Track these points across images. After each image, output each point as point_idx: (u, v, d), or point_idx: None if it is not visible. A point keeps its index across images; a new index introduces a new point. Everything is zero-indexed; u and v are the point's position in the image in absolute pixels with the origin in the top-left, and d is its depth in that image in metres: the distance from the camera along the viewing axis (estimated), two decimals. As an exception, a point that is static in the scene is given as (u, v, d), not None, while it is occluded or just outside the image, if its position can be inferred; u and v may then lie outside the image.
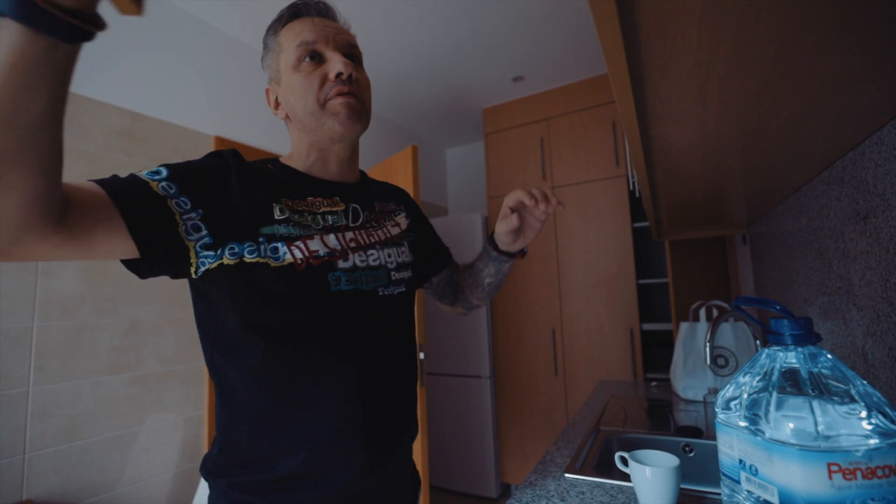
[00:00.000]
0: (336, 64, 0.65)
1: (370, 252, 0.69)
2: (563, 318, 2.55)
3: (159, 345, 1.61)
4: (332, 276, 0.63)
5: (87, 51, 1.59)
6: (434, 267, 0.89)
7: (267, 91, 0.73)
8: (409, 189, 1.98)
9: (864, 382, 0.44)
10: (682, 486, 0.78)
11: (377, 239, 0.72)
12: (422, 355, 1.95)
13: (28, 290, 1.32)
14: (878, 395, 0.43)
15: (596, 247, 2.49)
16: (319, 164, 0.71)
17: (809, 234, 0.96)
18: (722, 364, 1.37)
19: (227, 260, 0.58)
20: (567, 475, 0.88)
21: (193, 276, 0.58)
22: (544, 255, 2.63)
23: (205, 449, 1.72)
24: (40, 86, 0.36)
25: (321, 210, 0.67)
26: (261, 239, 0.59)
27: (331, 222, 0.67)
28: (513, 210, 0.75)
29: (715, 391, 1.36)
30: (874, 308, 0.68)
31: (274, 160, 0.71)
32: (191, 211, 0.55)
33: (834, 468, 0.40)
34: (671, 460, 0.73)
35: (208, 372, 0.67)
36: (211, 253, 0.57)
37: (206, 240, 0.56)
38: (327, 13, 0.70)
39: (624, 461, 0.78)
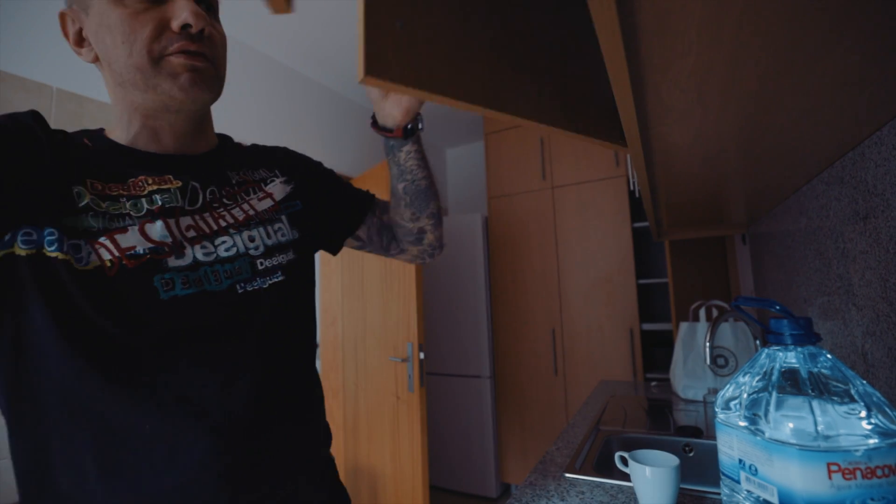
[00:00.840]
0: (182, 10, 0.47)
1: (220, 240, 0.53)
2: (563, 318, 2.55)
3: (159, 345, 1.61)
4: (161, 279, 0.48)
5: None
6: (350, 221, 0.72)
7: (62, 15, 0.52)
8: (409, 189, 1.97)
9: (864, 382, 0.44)
10: (682, 485, 0.78)
11: (231, 221, 0.56)
12: (422, 355, 1.95)
13: (28, 290, 1.32)
14: (878, 394, 0.43)
15: (596, 247, 2.49)
16: (146, 135, 0.54)
17: (809, 234, 0.96)
18: (722, 364, 1.37)
19: (21, 250, 0.43)
20: (567, 475, 0.88)
21: None
22: (544, 255, 2.63)
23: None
24: None
25: (146, 191, 0.51)
26: (53, 229, 0.44)
27: (160, 204, 0.51)
28: None
29: (715, 391, 1.36)
30: (874, 308, 0.68)
31: (96, 132, 0.55)
32: None
33: (833, 468, 0.40)
34: (671, 460, 0.73)
35: None
36: None
37: None
38: None
39: (624, 461, 0.78)
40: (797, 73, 0.44)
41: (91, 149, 0.52)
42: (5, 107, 1.31)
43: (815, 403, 0.43)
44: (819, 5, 0.33)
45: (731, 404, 0.50)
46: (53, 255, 0.44)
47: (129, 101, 0.52)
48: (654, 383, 1.72)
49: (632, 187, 2.42)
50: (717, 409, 0.53)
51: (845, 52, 0.40)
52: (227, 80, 1.79)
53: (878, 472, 0.40)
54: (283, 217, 0.62)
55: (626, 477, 0.81)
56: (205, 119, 0.59)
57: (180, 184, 0.53)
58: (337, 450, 2.43)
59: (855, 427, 0.41)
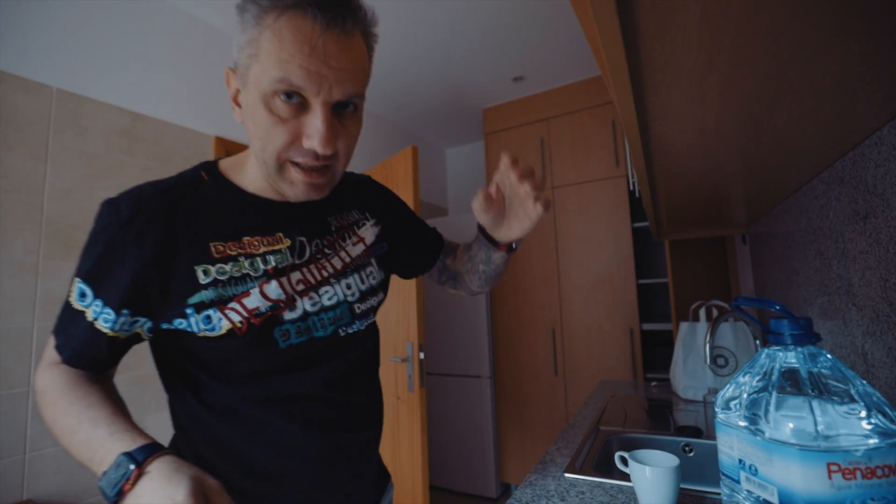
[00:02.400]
0: (315, 136, 0.50)
1: (323, 290, 0.60)
2: (562, 317, 2.55)
3: (159, 345, 1.62)
4: (279, 330, 0.56)
5: (87, 50, 1.58)
6: (425, 263, 0.81)
7: (228, 74, 0.56)
8: (409, 189, 1.98)
9: (864, 382, 0.44)
10: (682, 485, 0.78)
11: (332, 270, 0.62)
12: (422, 355, 1.95)
13: (28, 290, 1.32)
14: (878, 394, 0.43)
15: (596, 247, 2.49)
16: (269, 190, 0.60)
17: (809, 234, 0.96)
18: (722, 364, 1.37)
19: (168, 328, 0.55)
20: (567, 475, 0.88)
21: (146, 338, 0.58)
22: (544, 255, 2.63)
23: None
24: None
25: (261, 251, 0.57)
26: (188, 311, 0.53)
27: (273, 265, 0.57)
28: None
29: (715, 391, 1.36)
30: (874, 308, 0.68)
31: (212, 169, 0.60)
32: (107, 315, 0.52)
33: (833, 468, 0.40)
34: (671, 460, 0.73)
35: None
36: (151, 325, 0.55)
37: (148, 324, 0.55)
38: (340, 19, 0.49)
39: (624, 461, 0.78)
40: (797, 72, 0.44)
41: (210, 203, 0.57)
42: (5, 106, 1.31)
43: (815, 403, 0.43)
44: (819, 5, 0.33)
45: (732, 404, 0.50)
46: (187, 331, 0.54)
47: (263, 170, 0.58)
48: (654, 383, 1.72)
49: (632, 187, 2.42)
50: (717, 409, 0.53)
51: (845, 52, 0.40)
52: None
53: (878, 472, 0.40)
54: (373, 260, 0.69)
55: (627, 477, 0.81)
56: None
57: (289, 242, 0.60)
58: (337, 450, 2.43)
59: (855, 427, 0.41)
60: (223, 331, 0.53)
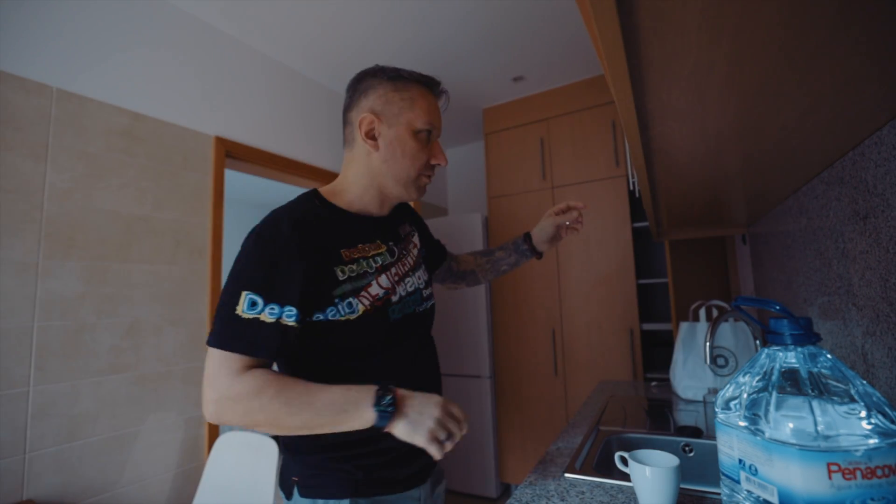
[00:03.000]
0: (440, 156, 0.82)
1: (407, 280, 0.84)
2: (562, 317, 2.55)
3: (159, 345, 1.62)
4: (390, 309, 0.78)
5: (87, 50, 1.59)
6: (434, 266, 1.04)
7: (363, 119, 0.79)
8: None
9: (864, 382, 0.44)
10: (682, 485, 0.78)
11: (408, 267, 0.86)
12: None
13: (28, 290, 1.32)
14: (878, 394, 0.43)
15: (596, 247, 2.49)
16: (374, 203, 0.83)
17: (809, 234, 0.96)
18: (722, 364, 1.37)
19: (320, 319, 0.72)
20: (567, 475, 0.88)
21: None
22: (544, 256, 2.63)
23: (205, 449, 1.72)
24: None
25: (371, 254, 0.79)
26: (336, 301, 0.73)
27: (380, 263, 0.80)
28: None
29: (715, 391, 1.36)
30: (874, 308, 0.68)
31: (319, 198, 0.81)
32: (290, 311, 0.69)
33: (833, 468, 0.40)
34: (671, 460, 0.73)
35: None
36: (301, 319, 0.70)
37: (293, 315, 0.69)
38: (446, 105, 0.86)
39: (624, 461, 0.78)
40: (797, 72, 0.44)
41: (327, 219, 0.77)
42: (5, 106, 1.31)
43: (815, 403, 0.43)
44: (819, 5, 0.33)
45: (732, 404, 0.50)
46: (334, 319, 0.73)
47: (381, 184, 0.82)
48: (654, 383, 1.72)
49: (632, 187, 2.42)
50: (717, 409, 0.52)
51: (845, 52, 0.40)
52: (228, 80, 1.77)
53: (878, 472, 0.40)
54: (422, 261, 0.93)
55: (626, 477, 0.81)
56: None
57: (385, 248, 0.82)
58: (337, 450, 2.43)
59: (855, 427, 0.41)
60: (360, 312, 0.74)
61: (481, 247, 2.77)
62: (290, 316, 0.68)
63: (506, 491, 2.71)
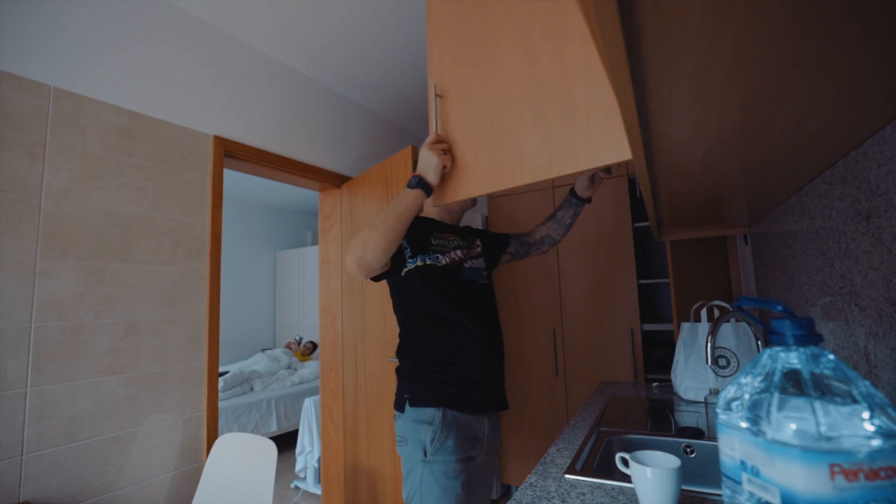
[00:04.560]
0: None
1: (471, 261, 1.24)
2: (563, 318, 2.54)
3: (158, 345, 1.61)
4: (463, 270, 1.21)
5: (85, 49, 1.58)
6: (499, 252, 1.41)
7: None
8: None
9: (867, 383, 0.44)
10: (684, 487, 0.78)
11: (472, 254, 1.27)
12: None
13: (26, 290, 1.32)
14: (881, 395, 0.43)
15: (596, 247, 2.49)
16: (444, 216, 1.30)
17: (811, 234, 0.95)
18: (723, 364, 1.37)
19: (419, 263, 1.15)
20: (567, 476, 0.88)
21: (402, 274, 1.17)
22: (545, 256, 2.62)
23: (204, 450, 1.71)
24: (413, 217, 1.08)
25: (450, 238, 1.24)
26: (430, 251, 1.17)
27: (455, 245, 1.24)
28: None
29: (716, 392, 1.36)
30: (877, 308, 0.68)
31: (423, 215, 1.29)
32: (406, 248, 1.17)
33: (836, 469, 0.40)
34: (672, 461, 0.73)
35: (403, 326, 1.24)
36: (412, 260, 1.15)
37: (409, 253, 1.16)
38: None
39: (625, 462, 0.78)
40: (799, 72, 0.43)
41: (426, 222, 1.25)
42: (3, 106, 1.31)
43: (817, 404, 0.42)
44: (822, 4, 0.32)
45: (733, 405, 0.50)
46: (430, 263, 1.16)
47: (447, 209, 1.30)
48: (655, 384, 1.72)
49: (632, 187, 2.42)
50: (718, 410, 0.52)
51: (848, 50, 0.40)
52: (228, 80, 1.76)
53: (882, 474, 0.39)
54: (482, 256, 1.30)
55: (627, 478, 0.81)
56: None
57: (458, 238, 1.27)
58: (336, 450, 2.43)
59: (857, 428, 0.41)
60: (444, 263, 1.17)
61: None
62: (405, 248, 1.17)
63: (506, 492, 2.71)
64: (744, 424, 0.47)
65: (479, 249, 1.29)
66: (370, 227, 1.03)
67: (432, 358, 1.14)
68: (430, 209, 1.29)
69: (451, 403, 1.10)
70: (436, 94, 1.02)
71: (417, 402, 1.11)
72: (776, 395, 0.45)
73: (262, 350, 4.79)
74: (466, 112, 0.99)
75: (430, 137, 1.00)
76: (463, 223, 3.19)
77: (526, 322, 2.65)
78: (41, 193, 1.37)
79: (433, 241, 1.18)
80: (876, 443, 0.40)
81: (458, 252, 1.21)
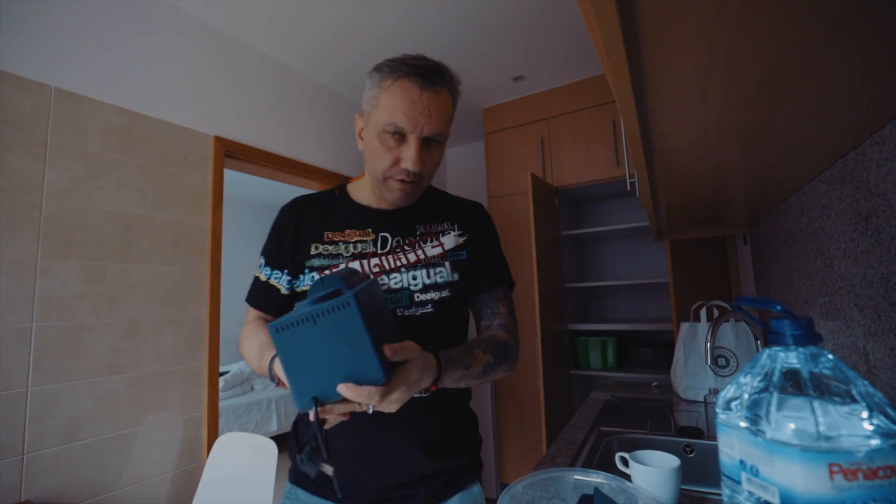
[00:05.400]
0: (408, 160, 0.73)
1: (393, 276, 0.79)
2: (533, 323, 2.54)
3: (158, 345, 1.61)
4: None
5: (86, 50, 1.58)
6: (470, 290, 0.85)
7: (357, 118, 0.82)
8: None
9: (866, 383, 0.44)
10: (683, 486, 0.78)
11: (404, 262, 0.80)
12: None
13: (27, 290, 1.32)
14: (880, 395, 0.43)
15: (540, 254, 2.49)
16: (370, 195, 0.85)
17: (811, 234, 0.95)
18: (723, 364, 1.37)
19: (296, 289, 0.83)
20: (567, 476, 0.88)
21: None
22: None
23: (205, 449, 1.71)
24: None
25: (354, 240, 0.82)
26: (306, 270, 0.81)
27: (360, 250, 0.81)
28: None
29: (715, 391, 1.36)
30: (875, 308, 0.68)
31: (342, 187, 0.89)
32: (281, 276, 0.84)
33: (835, 469, 0.40)
34: (672, 461, 0.73)
35: None
36: (287, 287, 0.83)
37: (283, 278, 0.83)
38: (433, 83, 0.73)
39: (624, 461, 0.78)
40: (798, 72, 0.44)
41: (332, 207, 0.86)
42: (4, 106, 1.31)
43: (816, 404, 0.43)
44: (820, 5, 0.33)
45: (732, 405, 0.50)
46: (304, 288, 0.81)
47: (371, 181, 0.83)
48: (654, 384, 1.72)
49: (631, 187, 2.42)
50: (717, 410, 0.52)
51: (847, 51, 0.40)
52: (228, 80, 1.76)
53: (881, 473, 0.39)
54: (447, 263, 0.82)
55: (627, 478, 0.81)
56: None
57: (374, 236, 0.82)
58: (337, 450, 2.43)
59: (856, 428, 0.41)
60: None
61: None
62: (277, 278, 0.83)
63: (506, 491, 2.71)
64: (743, 424, 0.48)
65: (437, 250, 0.82)
66: (245, 353, 0.79)
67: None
68: (363, 183, 0.87)
69: (299, 480, 0.81)
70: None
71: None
72: (775, 395, 0.45)
73: (263, 350, 4.77)
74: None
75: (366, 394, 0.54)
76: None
77: (526, 322, 2.64)
78: (42, 193, 1.37)
79: (314, 248, 0.80)
80: (875, 442, 0.40)
81: (359, 265, 0.79)
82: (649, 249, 2.69)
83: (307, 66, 2.34)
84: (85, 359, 1.43)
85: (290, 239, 0.83)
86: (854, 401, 0.42)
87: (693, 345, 1.45)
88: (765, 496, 0.44)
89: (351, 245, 0.81)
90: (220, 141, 1.90)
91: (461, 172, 3.64)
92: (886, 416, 0.41)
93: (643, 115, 0.55)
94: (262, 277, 0.84)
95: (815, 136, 0.64)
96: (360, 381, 0.53)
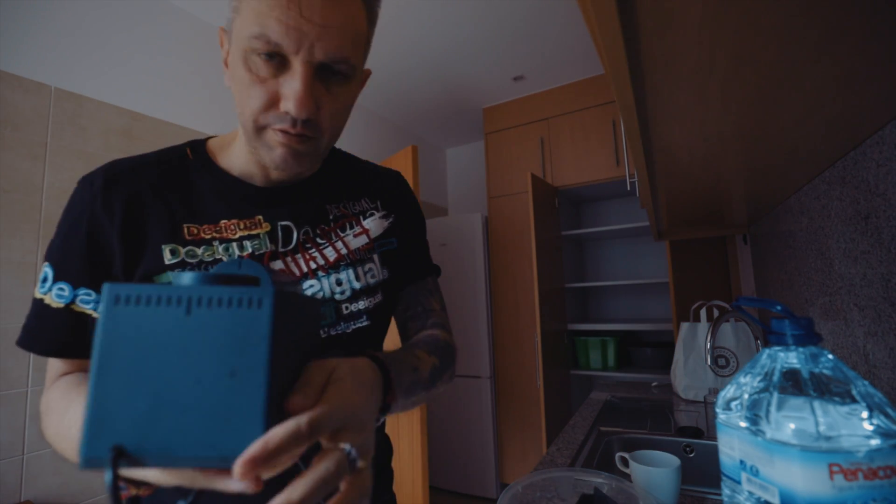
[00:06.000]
0: (291, 97, 0.46)
1: (308, 284, 0.55)
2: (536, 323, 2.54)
3: (159, 345, 1.61)
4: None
5: (86, 49, 1.58)
6: (402, 280, 0.66)
7: (221, 34, 0.52)
8: (409, 189, 1.97)
9: (866, 383, 0.44)
10: (683, 486, 0.78)
11: (322, 262, 0.57)
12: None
13: (27, 290, 1.32)
14: (880, 395, 0.43)
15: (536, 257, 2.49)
16: (247, 162, 0.55)
17: (811, 234, 0.95)
18: (723, 364, 1.37)
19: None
20: (567, 476, 0.88)
21: None
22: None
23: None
24: None
25: (237, 235, 0.54)
26: (156, 277, 0.50)
27: (250, 251, 0.53)
28: None
29: (715, 391, 1.36)
30: (875, 308, 0.68)
31: (198, 147, 0.57)
32: (96, 296, 0.50)
33: (835, 468, 0.40)
34: (672, 461, 0.73)
35: None
36: None
37: (96, 303, 0.50)
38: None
39: (625, 461, 0.78)
40: (798, 72, 0.44)
41: (188, 183, 0.54)
42: (3, 106, 1.31)
43: (816, 404, 0.43)
44: (820, 5, 0.33)
45: (732, 405, 0.50)
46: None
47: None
48: (654, 384, 1.72)
49: (630, 187, 2.42)
50: (717, 410, 0.52)
51: (847, 51, 0.40)
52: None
53: (881, 473, 0.39)
54: (376, 256, 0.61)
55: (627, 478, 0.81)
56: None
57: (269, 227, 0.55)
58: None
59: (856, 428, 0.41)
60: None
61: (482, 248, 2.76)
62: (86, 301, 0.50)
63: (506, 491, 2.71)
64: (743, 424, 0.48)
65: (361, 240, 0.61)
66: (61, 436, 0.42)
67: None
68: (234, 142, 0.57)
69: None
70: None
71: None
72: (775, 395, 0.45)
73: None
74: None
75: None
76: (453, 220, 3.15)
77: (526, 322, 2.64)
78: (42, 193, 1.37)
79: (171, 253, 0.52)
80: (875, 442, 0.40)
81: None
82: (649, 249, 2.69)
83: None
84: (85, 359, 1.43)
85: (114, 237, 0.50)
86: (854, 401, 0.42)
87: (693, 345, 1.45)
88: (765, 496, 0.44)
89: (234, 244, 0.53)
90: (220, 141, 1.90)
91: (461, 172, 3.64)
92: (886, 416, 0.41)
93: (643, 115, 0.55)
94: (53, 302, 0.49)
95: (814, 136, 0.64)
96: (215, 434, 0.27)
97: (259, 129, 0.49)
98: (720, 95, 0.49)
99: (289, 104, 0.46)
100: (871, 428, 0.40)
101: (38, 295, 0.50)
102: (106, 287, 0.28)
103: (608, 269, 2.80)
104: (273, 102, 0.47)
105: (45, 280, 0.50)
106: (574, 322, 2.55)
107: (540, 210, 2.22)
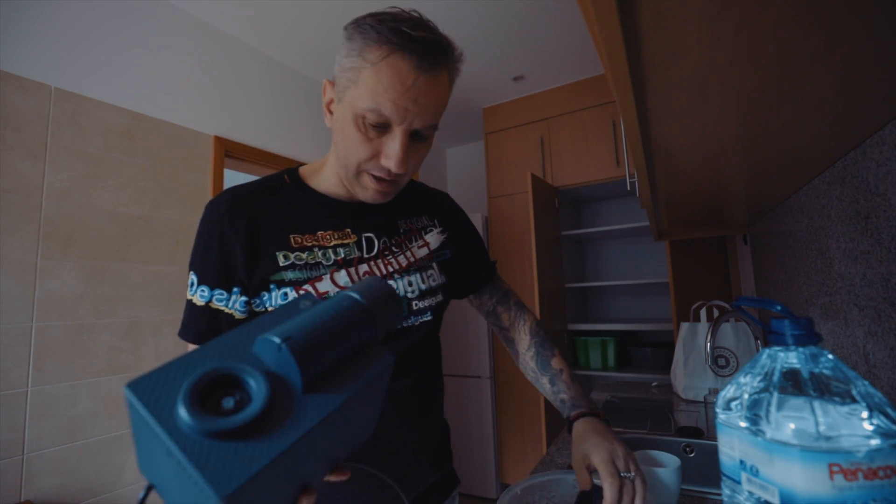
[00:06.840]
0: (392, 158, 0.58)
1: (404, 277, 0.70)
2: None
3: (158, 345, 1.61)
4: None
5: (86, 50, 1.58)
6: (472, 286, 0.84)
7: (326, 85, 0.64)
8: (409, 189, 1.98)
9: (866, 383, 0.44)
10: (683, 486, 0.78)
11: (396, 267, 0.70)
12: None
13: (27, 290, 1.32)
14: (880, 395, 0.43)
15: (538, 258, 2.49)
16: (336, 185, 0.69)
17: (810, 234, 0.95)
18: (722, 364, 1.37)
19: (256, 310, 0.64)
20: (567, 476, 0.88)
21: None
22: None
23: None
24: None
25: (332, 244, 0.66)
26: (271, 287, 0.63)
27: (343, 256, 0.66)
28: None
29: (715, 392, 1.36)
30: (875, 308, 0.68)
31: (293, 174, 0.71)
32: (227, 296, 0.63)
33: (835, 468, 0.40)
34: (672, 461, 0.73)
35: None
36: (244, 301, 0.64)
37: (229, 300, 0.64)
38: (434, 64, 0.57)
39: (624, 462, 0.78)
40: (799, 72, 0.44)
41: (290, 202, 0.67)
42: (3, 106, 1.31)
43: (816, 404, 0.43)
44: (821, 5, 0.33)
45: (732, 405, 0.50)
46: (272, 308, 0.59)
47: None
48: (654, 384, 1.72)
49: (630, 187, 2.42)
50: (717, 410, 0.52)
51: (847, 51, 0.40)
52: (228, 80, 1.75)
53: (881, 473, 0.39)
54: (435, 264, 0.75)
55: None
56: None
57: (356, 238, 0.68)
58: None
59: (856, 428, 0.41)
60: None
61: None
62: (222, 300, 0.63)
63: (506, 491, 2.71)
64: (743, 424, 0.48)
65: (424, 251, 0.74)
66: None
67: None
68: (324, 168, 0.71)
69: None
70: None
71: None
72: (775, 395, 0.45)
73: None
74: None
75: None
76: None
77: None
78: (42, 193, 1.37)
79: (284, 258, 0.64)
80: (875, 442, 0.40)
81: (346, 274, 0.66)
82: (649, 249, 2.69)
83: (306, 65, 2.34)
84: (85, 359, 1.43)
85: (238, 248, 0.62)
86: (854, 401, 0.42)
87: (693, 345, 1.45)
88: (765, 496, 0.44)
89: (330, 251, 0.66)
90: (220, 141, 1.90)
91: (461, 172, 3.64)
92: (886, 416, 0.41)
93: (643, 115, 0.55)
94: (198, 301, 0.63)
95: (814, 136, 0.64)
96: None
97: (359, 173, 0.63)
98: (720, 95, 0.49)
99: (390, 162, 0.59)
100: (871, 428, 0.40)
101: (188, 296, 0.64)
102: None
103: (608, 269, 2.80)
104: (374, 155, 0.60)
105: (192, 285, 0.64)
106: (574, 322, 2.55)
107: (540, 210, 2.22)
